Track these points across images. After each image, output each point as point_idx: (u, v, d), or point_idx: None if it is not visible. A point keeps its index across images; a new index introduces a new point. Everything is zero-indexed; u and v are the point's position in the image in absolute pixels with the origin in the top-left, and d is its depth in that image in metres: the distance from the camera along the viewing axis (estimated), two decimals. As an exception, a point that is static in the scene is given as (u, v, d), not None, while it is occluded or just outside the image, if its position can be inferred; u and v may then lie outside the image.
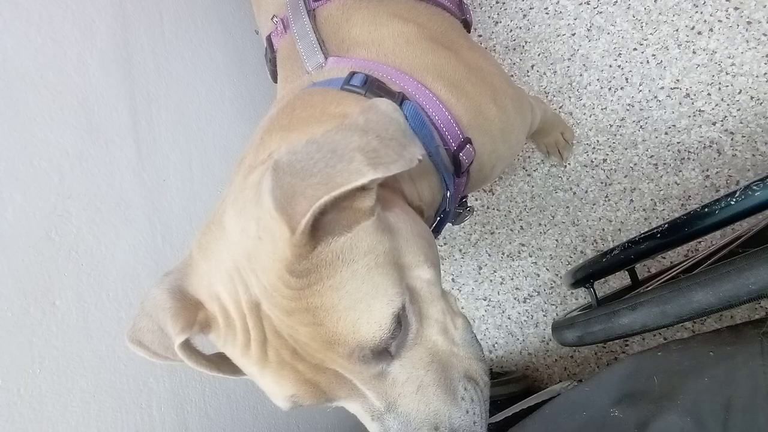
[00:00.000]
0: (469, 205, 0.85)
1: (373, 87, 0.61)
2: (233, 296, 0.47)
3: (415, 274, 0.49)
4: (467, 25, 0.89)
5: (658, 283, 0.80)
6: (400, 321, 0.46)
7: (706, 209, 0.60)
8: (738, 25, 1.09)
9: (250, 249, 0.44)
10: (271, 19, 0.80)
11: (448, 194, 0.66)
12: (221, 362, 0.53)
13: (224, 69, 1.05)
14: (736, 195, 0.57)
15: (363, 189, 0.43)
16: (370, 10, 0.72)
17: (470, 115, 0.68)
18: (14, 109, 0.72)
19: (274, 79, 0.82)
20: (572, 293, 1.26)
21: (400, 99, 0.61)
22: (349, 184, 0.40)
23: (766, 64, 1.07)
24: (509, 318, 1.35)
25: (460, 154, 0.66)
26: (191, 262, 0.52)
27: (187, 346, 0.50)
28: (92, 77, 0.82)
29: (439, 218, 0.69)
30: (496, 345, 1.37)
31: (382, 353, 0.46)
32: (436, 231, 0.71)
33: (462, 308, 1.42)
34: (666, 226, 0.65)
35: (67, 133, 0.77)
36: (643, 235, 0.68)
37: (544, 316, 1.30)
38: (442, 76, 0.67)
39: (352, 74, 0.63)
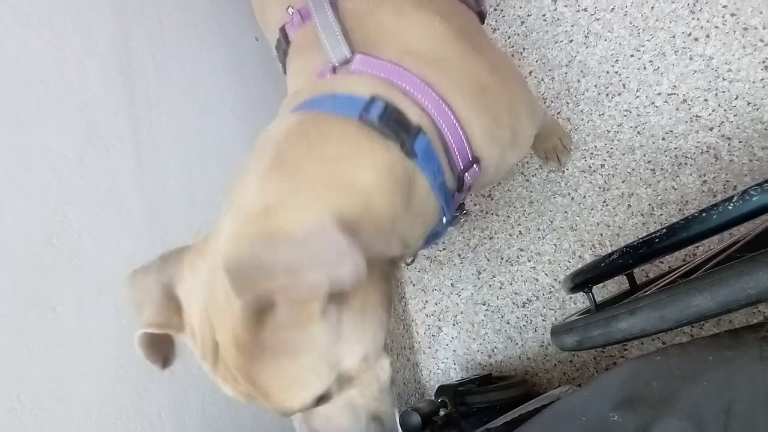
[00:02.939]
0: (465, 209, 0.85)
1: (391, 122, 0.60)
2: (201, 324, 0.53)
3: (351, 363, 0.55)
4: (482, 17, 0.89)
5: (657, 287, 0.80)
6: (322, 398, 0.54)
7: (703, 214, 0.61)
8: (734, 32, 1.10)
9: (216, 297, 0.50)
10: (287, 9, 0.78)
11: (445, 220, 0.67)
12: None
13: (224, 74, 1.06)
14: (734, 200, 0.57)
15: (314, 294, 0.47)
16: (395, 3, 0.71)
17: (485, 129, 0.68)
18: (15, 114, 0.72)
19: (287, 71, 0.81)
20: (571, 298, 1.27)
21: (415, 133, 0.61)
22: (297, 288, 0.44)
23: (762, 69, 1.08)
24: (508, 323, 1.35)
25: (466, 174, 0.66)
26: (186, 268, 0.55)
27: (146, 337, 0.57)
28: (92, 83, 0.82)
29: (433, 233, 0.70)
30: (495, 350, 1.37)
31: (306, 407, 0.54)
32: (429, 243, 0.72)
33: (461, 313, 1.42)
34: (664, 231, 0.66)
35: (67, 139, 0.77)
36: (641, 240, 0.69)
37: (543, 320, 1.30)
38: (465, 83, 0.67)
39: (372, 100, 0.61)
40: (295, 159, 0.56)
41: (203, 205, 0.96)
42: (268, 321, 0.47)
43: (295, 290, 0.45)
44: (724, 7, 1.11)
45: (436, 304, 1.46)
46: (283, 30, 0.80)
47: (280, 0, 0.80)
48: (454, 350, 1.43)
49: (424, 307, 1.48)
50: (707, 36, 1.12)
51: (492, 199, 1.37)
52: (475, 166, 0.67)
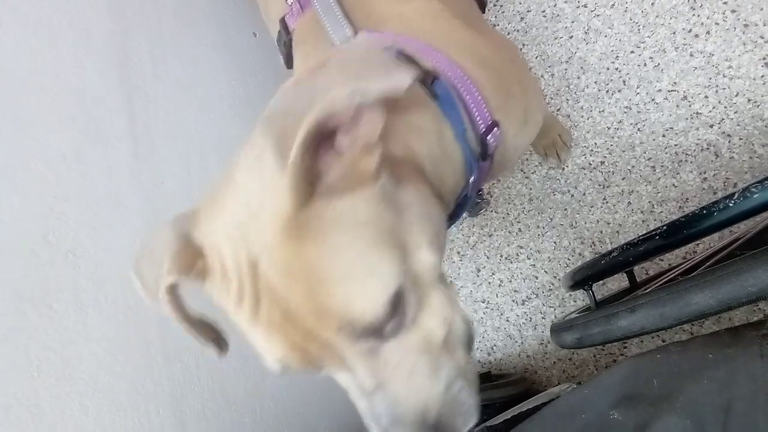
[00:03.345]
0: (484, 196, 0.84)
1: (409, 64, 0.59)
2: (233, 250, 0.45)
3: (418, 257, 0.47)
4: (482, 6, 0.89)
5: (657, 285, 0.80)
6: (396, 304, 0.44)
7: (704, 211, 0.60)
8: (735, 28, 1.10)
9: (254, 204, 0.43)
10: (286, 0, 0.78)
11: (472, 179, 0.64)
12: (201, 327, 0.54)
13: (222, 71, 1.05)
14: (735, 197, 0.57)
15: (366, 150, 0.42)
16: None
17: (499, 97, 0.67)
18: (12, 112, 0.71)
19: (288, 64, 0.81)
20: (571, 296, 1.26)
21: (433, 77, 0.60)
22: (334, 105, 0.38)
23: (763, 66, 1.07)
24: (508, 320, 1.35)
25: (488, 137, 0.65)
26: (200, 210, 0.51)
27: (174, 292, 0.50)
28: (90, 80, 0.82)
29: (457, 204, 0.67)
30: (494, 347, 1.37)
31: (375, 332, 0.45)
32: (454, 218, 0.70)
33: (460, 311, 1.42)
34: (664, 228, 0.66)
35: (64, 136, 0.77)
36: (641, 238, 0.69)
37: (542, 318, 1.30)
38: (472, 54, 0.67)
39: (385, 50, 0.59)
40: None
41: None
42: (316, 197, 0.42)
43: (346, 113, 0.40)
44: (725, 3, 1.10)
45: (435, 301, 1.46)
46: (283, 21, 0.79)
47: None
48: (454, 348, 1.43)
49: (424, 305, 1.48)
50: (708, 32, 1.12)
51: (491, 197, 1.37)
52: (496, 129, 0.66)
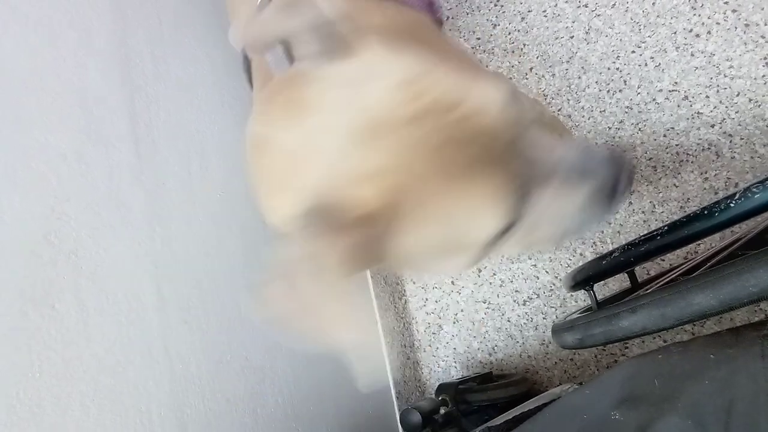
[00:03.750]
0: None
1: None
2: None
3: None
4: (439, 24, 0.90)
5: (658, 285, 0.80)
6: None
7: (705, 211, 0.60)
8: (736, 28, 1.09)
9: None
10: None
11: None
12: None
13: (223, 71, 1.05)
14: (736, 197, 0.57)
15: None
16: None
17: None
18: (13, 112, 0.72)
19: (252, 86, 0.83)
20: (572, 296, 1.26)
21: None
22: None
23: (764, 66, 1.07)
24: (509, 321, 1.35)
25: None
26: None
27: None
28: (91, 80, 0.82)
29: None
30: (495, 348, 1.37)
31: None
32: None
33: (461, 311, 1.42)
34: (665, 228, 0.65)
35: (66, 136, 0.77)
36: (642, 238, 0.68)
37: (543, 318, 1.30)
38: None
39: None
40: None
41: (202, 201, 0.95)
42: None
43: None
44: (726, 3, 1.10)
45: (436, 302, 1.46)
46: (244, 51, 0.82)
47: (243, 18, 0.83)
48: (455, 348, 1.43)
49: (425, 305, 1.48)
50: (708, 32, 1.12)
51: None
52: None
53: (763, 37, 1.07)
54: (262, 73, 0.75)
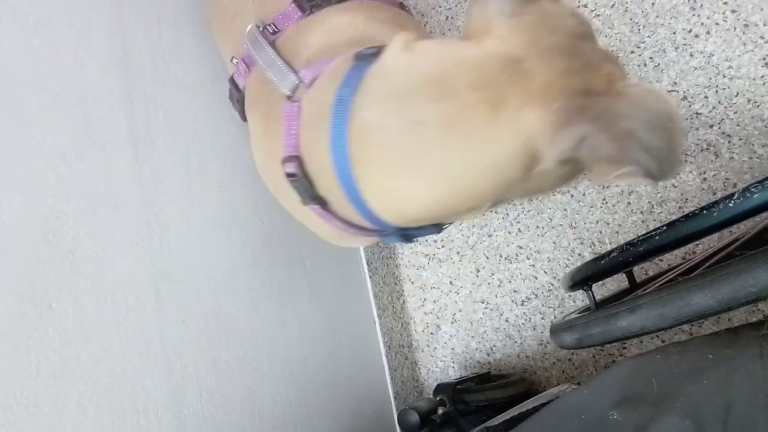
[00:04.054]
0: None
1: None
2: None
3: None
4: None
5: (657, 285, 0.80)
6: None
7: (704, 211, 0.60)
8: (735, 28, 1.10)
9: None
10: (231, 60, 0.83)
11: None
12: None
13: (223, 71, 1.05)
14: (734, 197, 0.57)
15: None
16: (318, 17, 0.75)
17: None
18: (12, 112, 0.71)
19: (244, 117, 0.84)
20: (570, 296, 1.26)
21: None
22: None
23: (763, 66, 1.07)
24: (507, 321, 1.35)
25: None
26: None
27: None
28: (90, 80, 0.82)
29: None
30: (494, 348, 1.37)
31: None
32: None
33: (460, 311, 1.42)
34: (664, 228, 0.65)
35: (64, 136, 0.77)
36: (640, 238, 0.68)
37: (542, 318, 1.30)
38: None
39: (348, 75, 0.64)
40: None
41: (201, 200, 0.95)
42: None
43: None
44: (725, 3, 1.11)
45: (434, 302, 1.46)
46: (232, 80, 0.84)
47: (229, 52, 0.84)
48: (453, 348, 1.43)
49: (423, 305, 1.48)
50: (708, 33, 1.12)
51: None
52: None
53: (762, 37, 1.07)
54: (264, 95, 0.76)
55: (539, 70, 0.52)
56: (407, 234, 0.74)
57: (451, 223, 0.79)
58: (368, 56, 0.64)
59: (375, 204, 0.64)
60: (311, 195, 0.70)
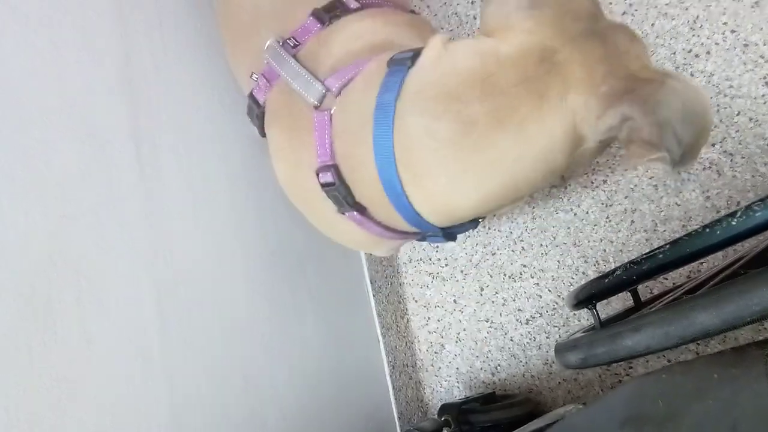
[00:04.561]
0: None
1: None
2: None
3: None
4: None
5: (661, 304, 0.79)
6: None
7: (707, 230, 0.60)
8: (735, 48, 1.10)
9: None
10: (251, 76, 0.83)
11: None
12: None
13: (232, 86, 1.06)
14: (737, 215, 0.57)
15: None
16: (337, 26, 0.77)
17: None
18: (19, 130, 0.72)
19: (263, 133, 0.84)
20: (575, 315, 1.26)
21: None
22: None
23: (763, 85, 1.08)
24: (512, 340, 1.34)
25: None
26: None
27: None
28: (97, 99, 0.83)
29: None
30: (498, 368, 1.36)
31: None
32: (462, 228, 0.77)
33: (464, 330, 1.41)
34: (667, 246, 0.65)
35: (71, 155, 0.78)
36: (644, 256, 0.68)
37: (546, 337, 1.29)
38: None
39: (387, 80, 0.65)
40: None
41: (206, 219, 0.96)
42: None
43: None
44: (725, 24, 1.12)
45: (438, 320, 1.45)
46: (252, 96, 0.84)
47: (246, 68, 0.85)
48: (457, 368, 1.42)
49: (427, 324, 1.47)
50: (708, 52, 1.13)
51: (494, 215, 1.37)
52: None
53: (762, 56, 1.08)
54: (287, 108, 0.77)
55: (576, 58, 0.56)
56: (450, 232, 0.75)
57: (485, 217, 0.81)
58: (404, 60, 0.65)
59: (422, 207, 0.66)
60: (350, 202, 0.70)
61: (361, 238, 0.78)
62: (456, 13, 1.45)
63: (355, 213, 0.72)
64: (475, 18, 1.42)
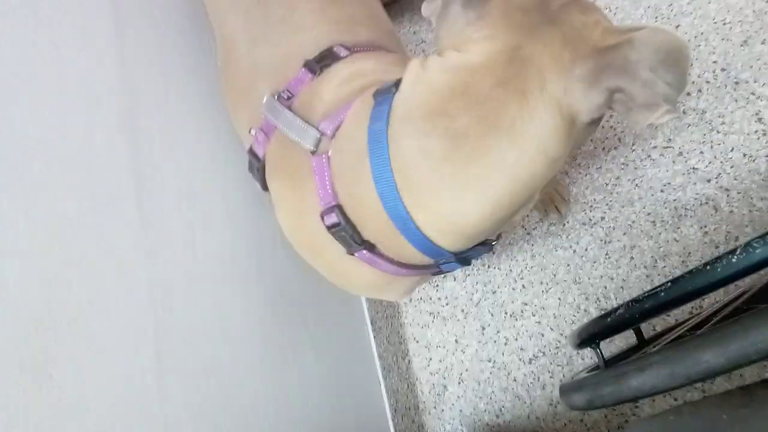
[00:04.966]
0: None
1: None
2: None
3: None
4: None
5: (665, 341, 0.79)
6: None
7: (707, 267, 0.60)
8: (726, 86, 1.13)
9: None
10: (249, 131, 0.85)
11: None
12: None
13: (227, 137, 1.08)
14: (737, 252, 0.57)
15: None
16: (328, 74, 0.78)
17: None
18: (19, 178, 0.73)
19: (265, 187, 0.85)
20: (578, 353, 1.24)
21: None
22: None
23: (756, 122, 1.10)
24: (515, 380, 1.32)
25: None
26: None
27: None
28: (98, 146, 0.84)
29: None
30: (503, 409, 1.33)
31: None
32: (471, 258, 0.76)
33: (466, 370, 1.39)
34: (669, 284, 0.65)
35: (71, 201, 0.78)
36: (646, 294, 0.68)
37: (550, 377, 1.27)
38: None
39: (375, 111, 0.67)
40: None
41: (205, 266, 0.95)
42: None
43: None
44: (714, 62, 1.14)
45: (440, 361, 1.43)
46: (251, 151, 0.85)
47: (245, 124, 0.87)
48: (461, 410, 1.39)
49: (428, 365, 1.45)
50: (699, 90, 1.15)
51: (494, 253, 1.37)
52: None
53: (753, 93, 1.10)
54: (287, 159, 0.78)
55: (539, 49, 0.57)
56: (464, 257, 0.74)
57: (499, 239, 0.80)
58: (388, 89, 0.67)
59: (430, 230, 0.65)
60: (358, 240, 0.70)
61: (372, 279, 0.77)
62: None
63: (364, 252, 0.71)
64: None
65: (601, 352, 0.78)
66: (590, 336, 0.77)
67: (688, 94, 1.16)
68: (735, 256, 0.57)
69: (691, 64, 1.14)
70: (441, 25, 0.64)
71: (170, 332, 0.86)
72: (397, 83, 0.67)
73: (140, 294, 0.83)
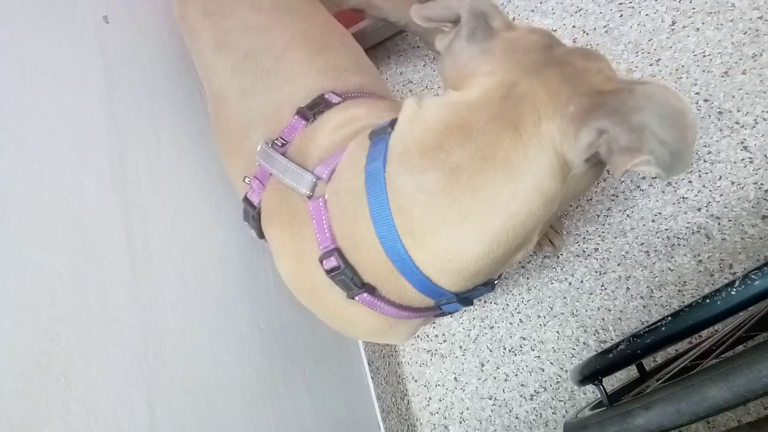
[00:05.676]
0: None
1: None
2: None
3: None
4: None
5: (667, 374, 0.78)
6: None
7: (707, 300, 0.60)
8: (710, 116, 1.15)
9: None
10: (243, 180, 0.85)
11: None
12: None
13: (220, 182, 1.08)
14: (736, 285, 0.57)
15: None
16: (322, 120, 0.79)
17: None
18: (6, 232, 0.72)
19: (261, 235, 0.85)
20: (580, 388, 1.22)
21: None
22: None
23: (742, 150, 1.11)
24: (517, 418, 1.30)
25: None
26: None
27: None
28: (87, 198, 0.83)
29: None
30: (505, 447, 1.31)
31: None
32: (473, 297, 0.75)
33: (467, 409, 1.37)
34: (669, 318, 0.65)
35: (60, 254, 0.77)
36: (646, 329, 0.68)
37: (553, 413, 1.25)
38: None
39: (372, 153, 0.67)
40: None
41: (198, 311, 0.94)
42: None
43: None
44: (697, 93, 1.16)
45: (440, 400, 1.41)
46: (246, 199, 0.86)
47: (240, 172, 0.88)
48: (463, 450, 1.36)
49: (428, 405, 1.42)
50: (684, 121, 1.17)
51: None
52: None
53: (737, 122, 1.12)
54: (283, 206, 0.78)
55: (536, 86, 0.57)
56: (465, 298, 0.73)
57: (500, 278, 0.79)
58: (384, 129, 0.67)
59: (431, 270, 0.65)
60: (358, 283, 0.69)
61: (374, 323, 0.75)
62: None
63: (365, 295, 0.70)
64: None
65: (605, 389, 0.77)
66: (592, 373, 0.76)
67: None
68: (734, 289, 0.57)
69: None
70: (446, 58, 0.65)
71: (163, 383, 0.84)
72: (392, 123, 0.67)
73: (132, 345, 0.82)
